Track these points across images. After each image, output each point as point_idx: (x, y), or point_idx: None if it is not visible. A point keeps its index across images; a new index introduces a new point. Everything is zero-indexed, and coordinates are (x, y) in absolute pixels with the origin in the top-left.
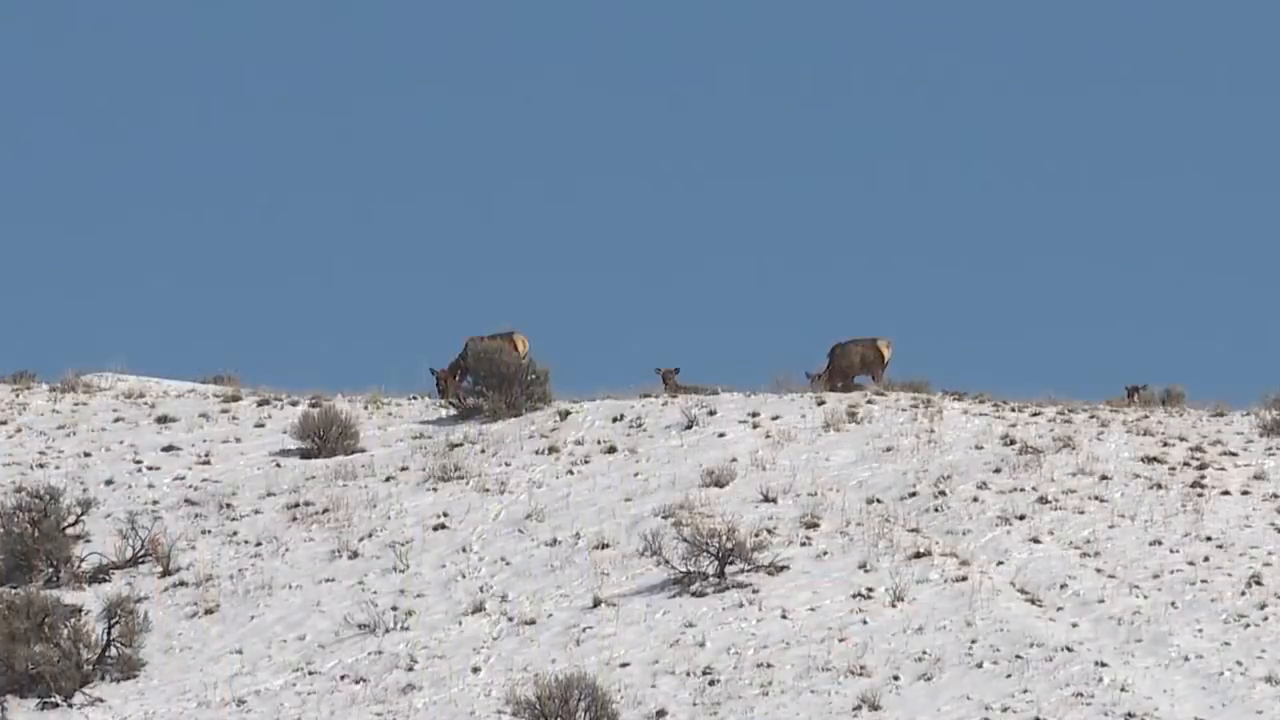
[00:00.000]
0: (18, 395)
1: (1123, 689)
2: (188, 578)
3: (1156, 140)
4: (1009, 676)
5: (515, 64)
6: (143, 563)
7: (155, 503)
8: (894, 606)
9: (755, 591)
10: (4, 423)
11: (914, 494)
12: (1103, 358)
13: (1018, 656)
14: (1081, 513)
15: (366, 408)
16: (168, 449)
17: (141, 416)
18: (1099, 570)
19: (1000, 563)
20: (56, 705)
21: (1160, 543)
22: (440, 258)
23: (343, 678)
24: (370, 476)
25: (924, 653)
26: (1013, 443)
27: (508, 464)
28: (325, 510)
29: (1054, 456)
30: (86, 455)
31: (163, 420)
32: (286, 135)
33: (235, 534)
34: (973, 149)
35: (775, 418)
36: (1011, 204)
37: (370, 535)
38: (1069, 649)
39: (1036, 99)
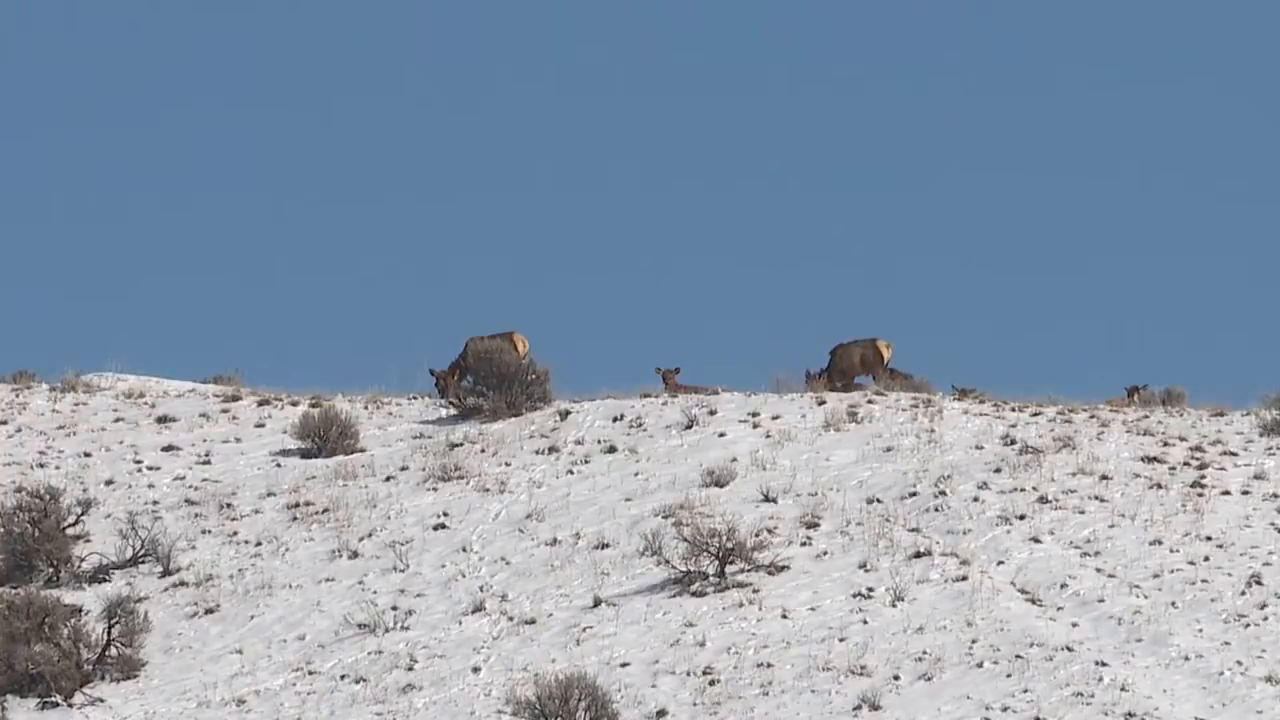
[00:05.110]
0: (18, 395)
1: (1123, 689)
2: (188, 578)
3: (1157, 140)
4: (1009, 676)
5: (515, 64)
6: (143, 563)
7: (155, 503)
8: (894, 606)
9: (755, 591)
10: (4, 423)
11: (914, 494)
12: (1103, 358)
13: (1018, 656)
14: (1082, 513)
15: (366, 408)
16: (168, 449)
17: (141, 416)
18: (1099, 570)
19: (1000, 562)
20: (56, 705)
21: (1160, 543)
22: (440, 258)
23: (343, 678)
24: (370, 476)
25: (924, 652)
26: (1013, 443)
27: (508, 464)
28: (325, 510)
29: (1054, 456)
30: (86, 455)
31: (163, 420)
32: (287, 135)
33: (235, 534)
34: (972, 148)
35: (775, 418)
36: (1012, 204)
37: (370, 535)
38: (1069, 649)
39: (1037, 99)
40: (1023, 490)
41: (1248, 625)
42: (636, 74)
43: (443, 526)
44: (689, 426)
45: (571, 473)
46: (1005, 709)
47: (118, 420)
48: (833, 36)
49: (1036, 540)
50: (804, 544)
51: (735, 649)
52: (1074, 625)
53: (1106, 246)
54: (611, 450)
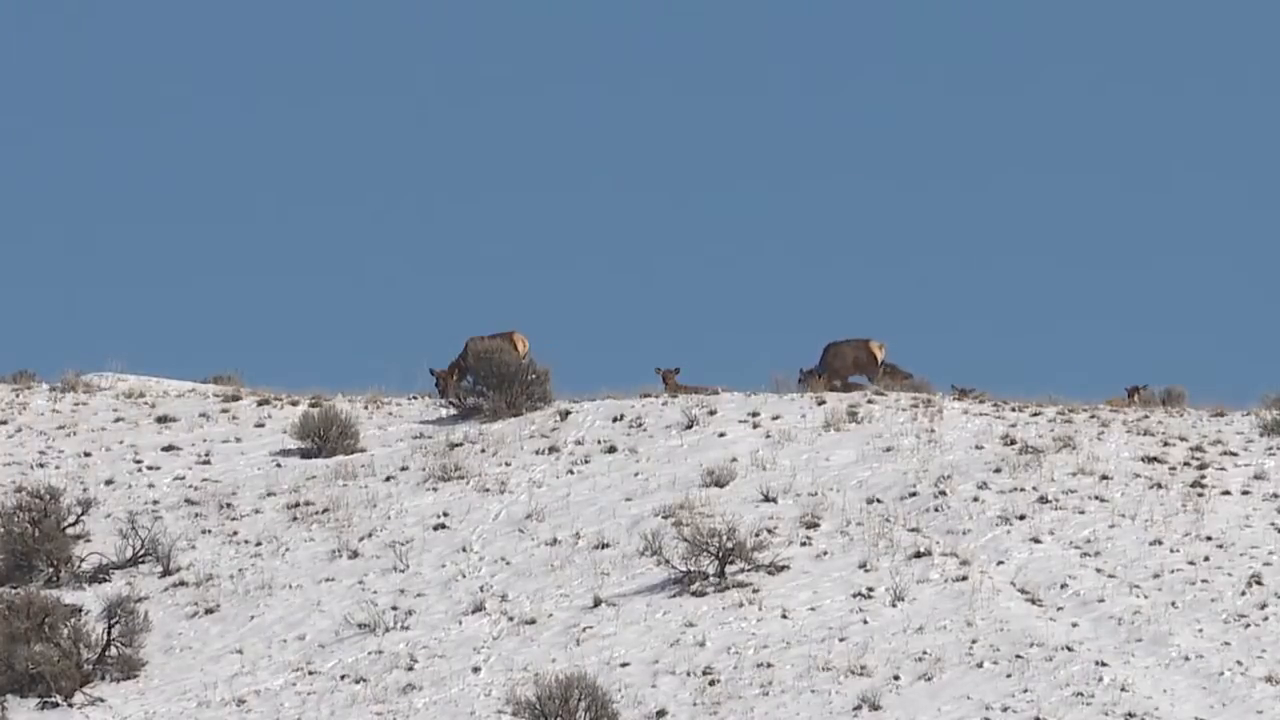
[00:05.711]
0: (18, 395)
1: (1123, 689)
2: (188, 578)
3: (1156, 140)
4: (1009, 676)
5: (514, 64)
6: (143, 563)
7: (155, 503)
8: (894, 606)
9: (755, 591)
10: (4, 423)
11: (914, 494)
12: (1103, 358)
13: (1018, 656)
14: (1082, 513)
15: (366, 408)
16: (168, 449)
17: (141, 416)
18: (1099, 570)
19: (1000, 562)
20: (56, 705)
21: (1160, 543)
22: (440, 258)
23: (343, 678)
24: (370, 476)
25: (924, 652)
26: (1013, 443)
27: (508, 464)
28: (325, 510)
29: (1054, 456)
30: (86, 455)
31: (163, 420)
32: (287, 136)
33: (235, 534)
34: (972, 148)
35: (775, 418)
36: (1012, 203)
37: (370, 535)
38: (1069, 649)
39: (1036, 99)
40: (1023, 490)
41: (1248, 625)
42: (637, 74)
43: (443, 526)
44: (689, 426)
45: (571, 473)
46: (1005, 709)
47: (118, 420)
48: (832, 36)
49: (1036, 540)
50: (804, 544)
51: (735, 649)
52: (1074, 625)
53: (1106, 246)
54: (611, 450)
